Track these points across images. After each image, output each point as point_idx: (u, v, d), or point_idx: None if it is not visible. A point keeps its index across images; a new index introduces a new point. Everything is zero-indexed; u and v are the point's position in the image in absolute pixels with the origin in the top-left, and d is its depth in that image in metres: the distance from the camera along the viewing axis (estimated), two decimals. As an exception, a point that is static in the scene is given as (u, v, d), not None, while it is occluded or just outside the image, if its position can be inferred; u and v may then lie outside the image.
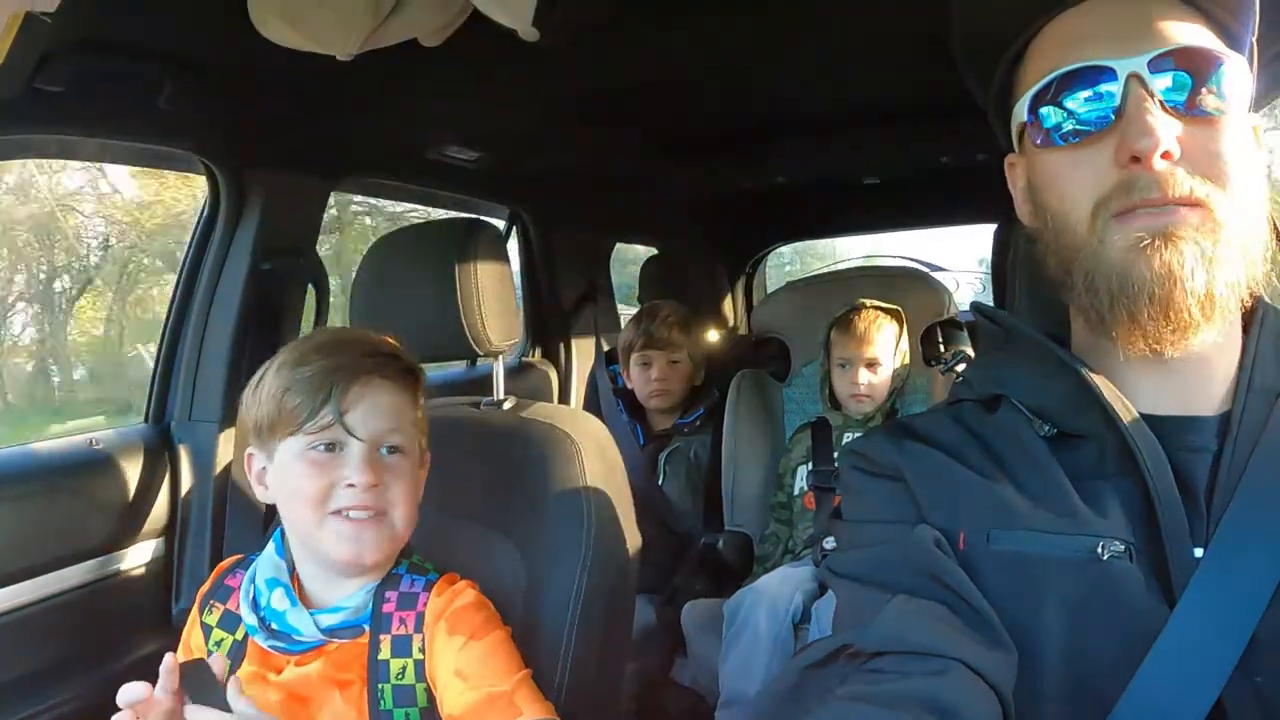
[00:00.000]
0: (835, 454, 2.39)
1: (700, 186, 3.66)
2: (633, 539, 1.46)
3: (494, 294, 1.55)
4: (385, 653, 1.19)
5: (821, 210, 4.14)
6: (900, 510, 0.90)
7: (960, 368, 2.41)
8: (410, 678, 1.19)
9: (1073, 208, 0.81)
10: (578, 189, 3.21)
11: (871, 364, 2.38)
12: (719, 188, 3.73)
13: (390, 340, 1.29)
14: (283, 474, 1.20)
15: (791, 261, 7.09)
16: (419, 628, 1.20)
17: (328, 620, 1.20)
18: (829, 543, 2.17)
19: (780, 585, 2.07)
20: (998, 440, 0.90)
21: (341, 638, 1.21)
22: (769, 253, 4.68)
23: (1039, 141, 0.84)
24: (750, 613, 2.05)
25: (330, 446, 1.18)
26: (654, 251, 4.07)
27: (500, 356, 1.64)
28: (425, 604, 1.21)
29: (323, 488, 1.16)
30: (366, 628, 1.21)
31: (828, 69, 2.27)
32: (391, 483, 1.19)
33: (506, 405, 1.58)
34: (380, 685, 1.18)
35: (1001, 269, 2.85)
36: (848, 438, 2.39)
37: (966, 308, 2.78)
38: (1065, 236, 0.82)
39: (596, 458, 1.45)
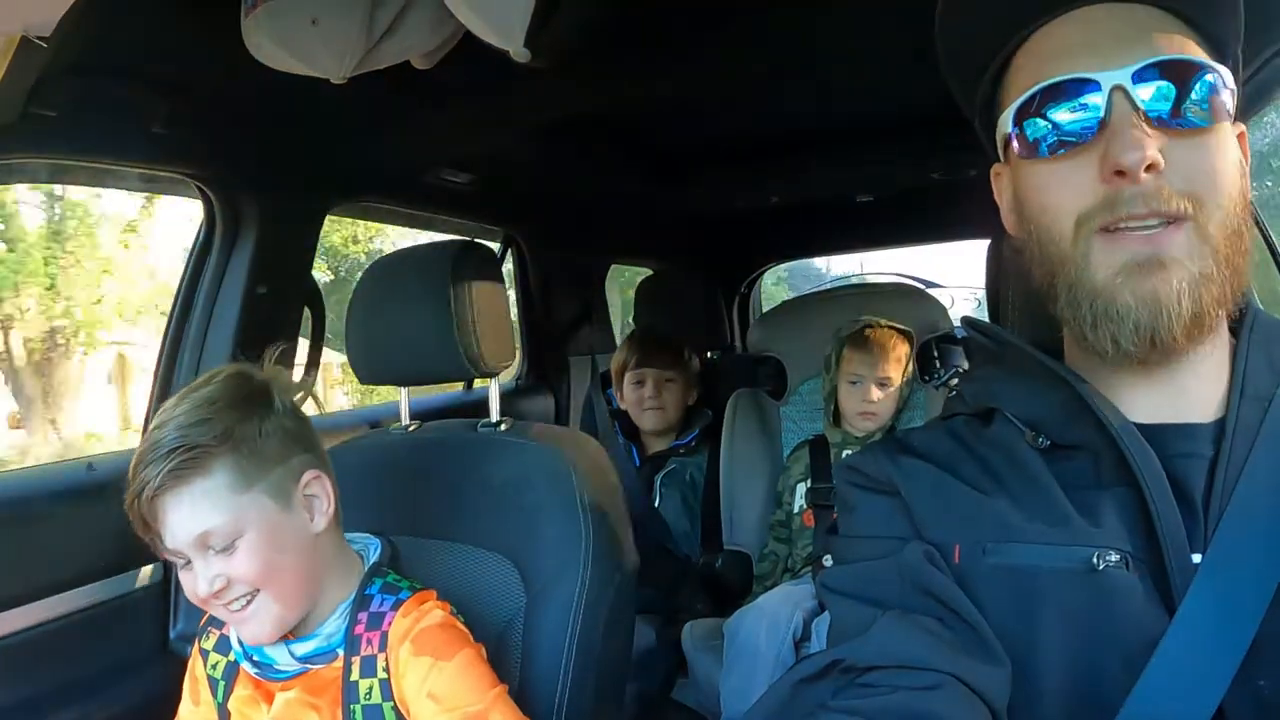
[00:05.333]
0: (834, 471, 2.36)
1: (694, 208, 3.66)
2: (631, 558, 1.46)
3: (489, 315, 1.55)
4: (356, 674, 1.19)
5: (815, 229, 4.16)
6: (894, 525, 0.90)
7: (954, 382, 2.41)
8: (377, 697, 1.18)
9: (1055, 221, 0.81)
10: (572, 211, 3.22)
11: (883, 382, 2.37)
12: (712, 208, 3.73)
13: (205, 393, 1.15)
14: None
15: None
16: (383, 647, 1.19)
17: (302, 649, 1.20)
18: (828, 560, 2.18)
19: (781, 603, 2.06)
20: (991, 453, 0.90)
21: (316, 664, 1.21)
22: (763, 273, 4.69)
23: (1023, 153, 0.84)
24: (751, 632, 2.03)
25: (184, 563, 1.13)
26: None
27: (496, 378, 1.63)
28: (390, 623, 1.20)
29: (198, 600, 1.13)
30: (340, 652, 1.20)
31: (817, 87, 2.28)
32: (235, 573, 1.11)
33: (503, 427, 1.58)
34: (351, 706, 1.18)
35: (996, 284, 2.87)
36: (846, 455, 2.36)
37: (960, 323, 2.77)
38: (1049, 248, 0.82)
39: (593, 478, 1.45)
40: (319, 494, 1.21)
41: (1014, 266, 1.00)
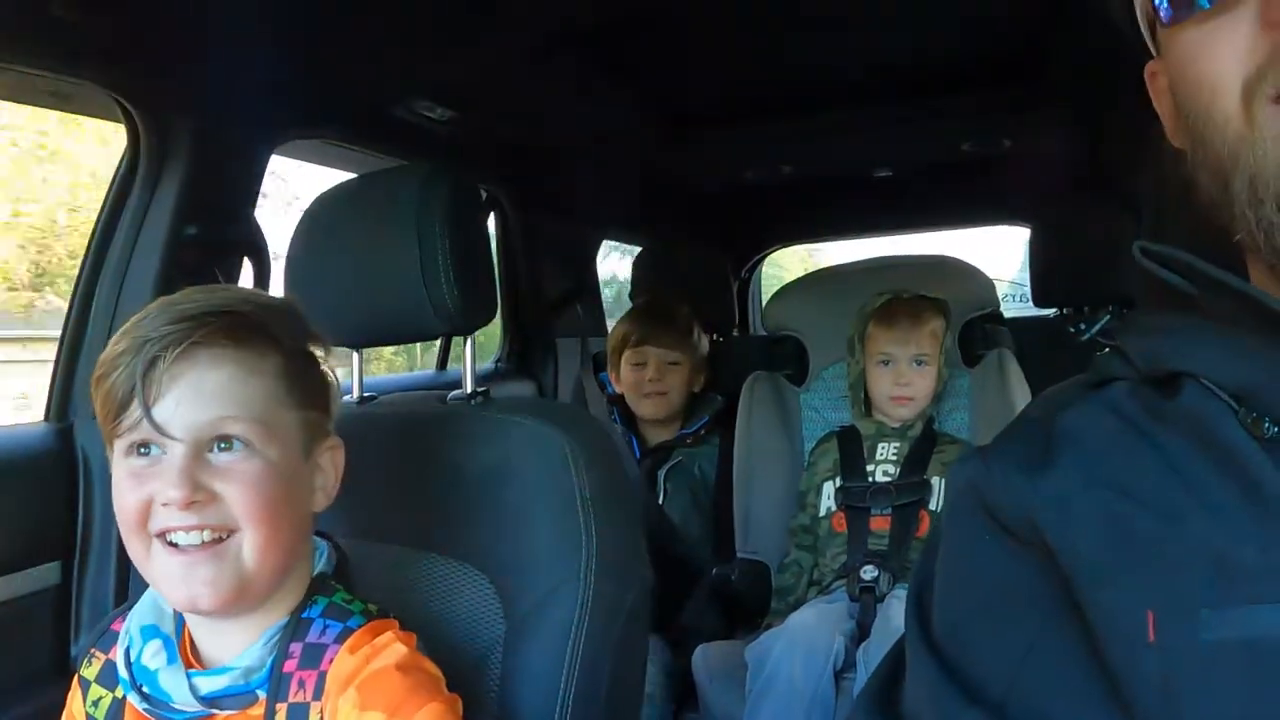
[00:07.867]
0: (869, 468, 2.10)
1: (697, 175, 3.43)
2: (646, 573, 1.16)
3: (465, 256, 1.24)
4: None
5: (827, 208, 3.90)
6: (1015, 608, 0.61)
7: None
8: None
9: (1216, 95, 0.57)
10: (562, 171, 2.94)
11: (919, 360, 2.10)
12: (716, 177, 3.50)
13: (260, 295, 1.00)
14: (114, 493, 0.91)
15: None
16: (319, 693, 0.89)
17: (209, 685, 0.91)
18: (867, 572, 1.88)
19: (816, 626, 1.75)
20: (1183, 443, 0.57)
21: (227, 708, 0.92)
22: (764, 258, 4.44)
23: (1169, 17, 0.60)
24: (782, 660, 1.72)
25: (146, 449, 0.88)
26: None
27: (471, 339, 1.33)
28: (331, 661, 0.90)
29: (139, 506, 0.86)
30: (261, 694, 0.91)
31: (833, 30, 2.11)
32: (228, 492, 0.86)
33: (480, 399, 1.27)
34: None
35: (1042, 272, 2.67)
36: (882, 449, 2.11)
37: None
38: (1214, 136, 0.58)
39: (597, 465, 1.14)
40: (329, 469, 1.00)
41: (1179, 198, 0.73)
